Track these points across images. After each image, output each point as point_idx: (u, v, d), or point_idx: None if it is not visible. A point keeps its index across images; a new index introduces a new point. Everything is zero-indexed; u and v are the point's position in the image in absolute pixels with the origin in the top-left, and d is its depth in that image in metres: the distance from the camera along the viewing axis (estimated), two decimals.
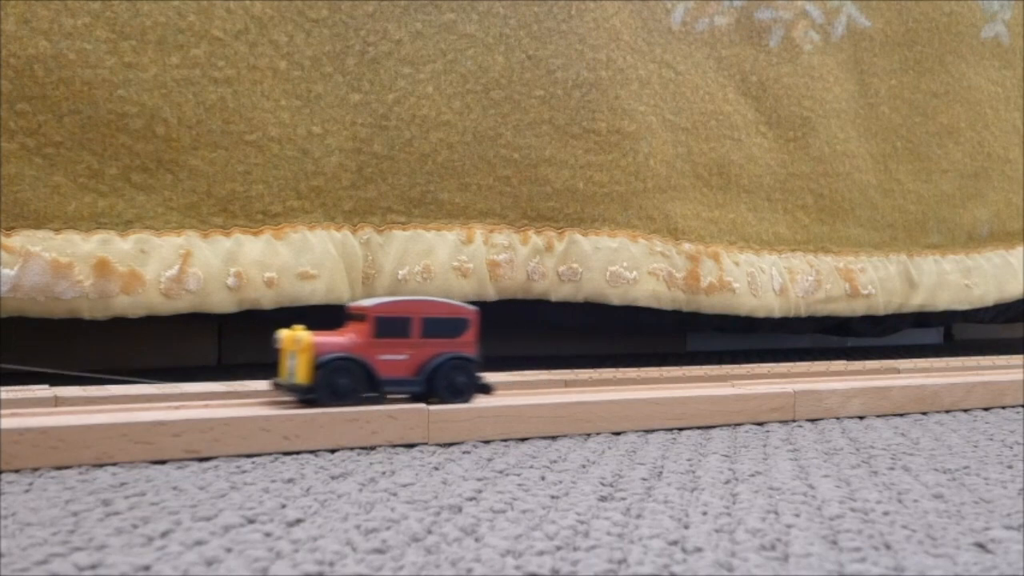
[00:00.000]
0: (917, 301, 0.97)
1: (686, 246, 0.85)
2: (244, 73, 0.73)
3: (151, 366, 0.91)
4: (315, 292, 0.73)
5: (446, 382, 0.49)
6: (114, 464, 0.41)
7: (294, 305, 0.73)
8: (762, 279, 0.88)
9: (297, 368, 0.47)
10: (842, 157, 0.94)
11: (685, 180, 0.87)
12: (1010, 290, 1.01)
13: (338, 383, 0.47)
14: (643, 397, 0.52)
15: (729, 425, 0.55)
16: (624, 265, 0.81)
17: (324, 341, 0.47)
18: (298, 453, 0.44)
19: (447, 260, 0.78)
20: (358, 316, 0.49)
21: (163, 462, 0.42)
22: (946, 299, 0.98)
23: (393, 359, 0.48)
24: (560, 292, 0.81)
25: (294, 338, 0.47)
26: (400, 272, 0.76)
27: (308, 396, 0.46)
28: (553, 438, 0.50)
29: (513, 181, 0.80)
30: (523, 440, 0.49)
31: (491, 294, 0.79)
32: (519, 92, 0.81)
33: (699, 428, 0.54)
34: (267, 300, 0.72)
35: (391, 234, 0.77)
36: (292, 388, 0.47)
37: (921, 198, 0.99)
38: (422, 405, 0.47)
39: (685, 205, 0.86)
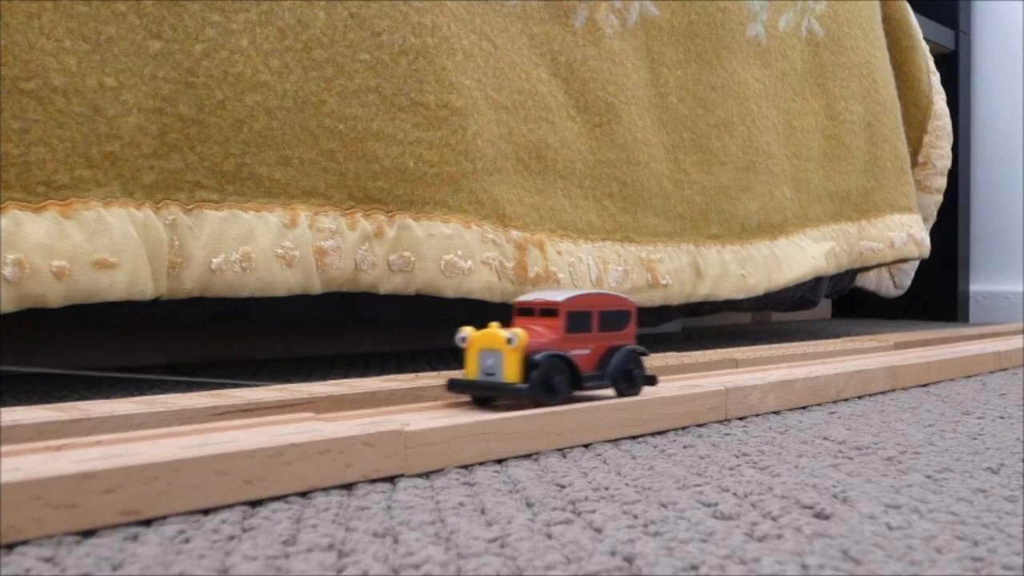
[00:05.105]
0: (703, 291, 0.98)
1: (514, 234, 0.79)
2: (16, 3, 0.56)
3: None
4: (115, 285, 0.58)
5: (624, 375, 0.49)
6: (24, 543, 0.27)
7: (88, 302, 0.58)
8: (581, 269, 0.84)
9: (504, 367, 0.45)
10: (641, 145, 0.93)
11: (508, 163, 0.81)
12: (777, 280, 1.06)
13: (553, 381, 0.45)
14: (607, 404, 0.46)
15: (678, 429, 0.50)
16: (459, 253, 0.74)
17: (535, 339, 0.46)
18: (263, 502, 0.33)
19: (270, 247, 0.65)
20: (542, 311, 0.48)
21: (93, 532, 0.29)
22: (728, 289, 1.00)
23: (581, 353, 0.48)
24: (390, 283, 0.72)
25: (494, 336, 0.46)
26: (214, 261, 0.63)
27: (517, 396, 0.45)
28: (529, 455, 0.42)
29: (339, 156, 0.70)
30: (500, 461, 0.41)
31: (317, 287, 0.68)
32: (343, 54, 0.70)
33: (657, 434, 0.48)
34: (55, 296, 0.56)
35: (202, 214, 0.64)
36: (495, 387, 0.46)
37: (704, 189, 1.00)
38: (399, 428, 0.37)
39: (510, 190, 0.80)
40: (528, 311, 0.49)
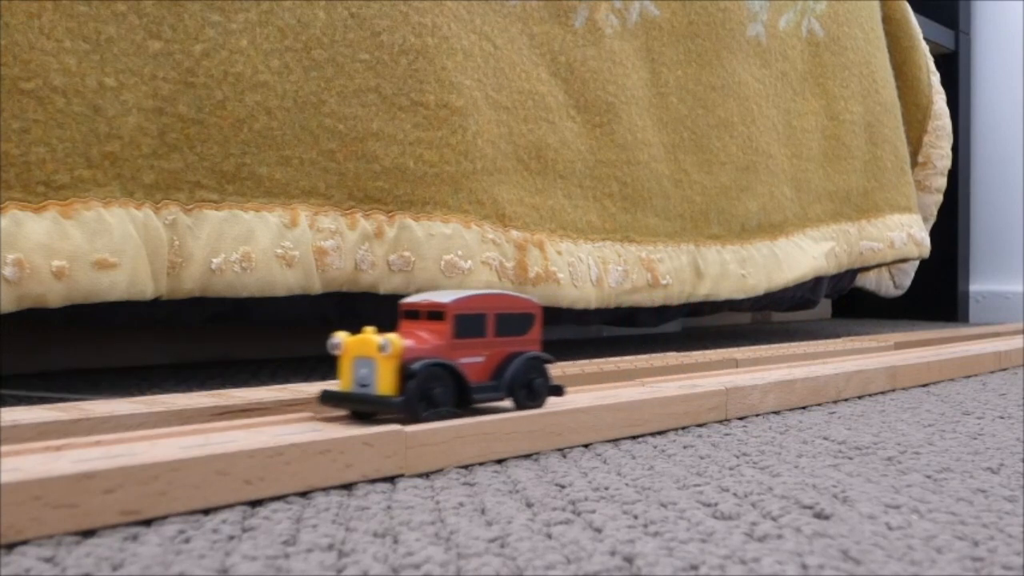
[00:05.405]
0: (703, 291, 0.98)
1: (514, 234, 0.79)
2: (16, 3, 0.56)
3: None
4: (115, 285, 0.59)
5: (524, 385, 0.44)
6: (24, 543, 0.27)
7: (88, 302, 0.58)
8: (581, 269, 0.84)
9: (378, 377, 0.40)
10: (641, 145, 0.93)
11: (508, 163, 0.81)
12: (777, 280, 1.06)
13: (433, 393, 0.40)
14: (607, 404, 0.46)
15: (678, 429, 0.50)
16: (459, 254, 0.74)
17: (414, 345, 0.40)
18: (263, 502, 0.33)
19: (270, 247, 0.66)
20: (428, 314, 0.42)
21: (93, 532, 0.29)
22: (728, 289, 1.00)
23: (472, 362, 0.42)
24: (390, 283, 0.72)
25: (367, 342, 0.40)
26: (214, 261, 0.63)
27: (392, 410, 0.40)
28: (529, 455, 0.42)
29: (338, 156, 0.70)
30: (499, 461, 0.41)
31: (317, 287, 0.68)
32: (343, 54, 0.70)
33: (657, 434, 0.48)
34: (55, 296, 0.56)
35: (202, 214, 0.64)
36: (368, 400, 0.40)
37: (705, 189, 1.00)
38: (399, 428, 0.37)
39: (510, 190, 0.80)
40: (414, 314, 0.43)
